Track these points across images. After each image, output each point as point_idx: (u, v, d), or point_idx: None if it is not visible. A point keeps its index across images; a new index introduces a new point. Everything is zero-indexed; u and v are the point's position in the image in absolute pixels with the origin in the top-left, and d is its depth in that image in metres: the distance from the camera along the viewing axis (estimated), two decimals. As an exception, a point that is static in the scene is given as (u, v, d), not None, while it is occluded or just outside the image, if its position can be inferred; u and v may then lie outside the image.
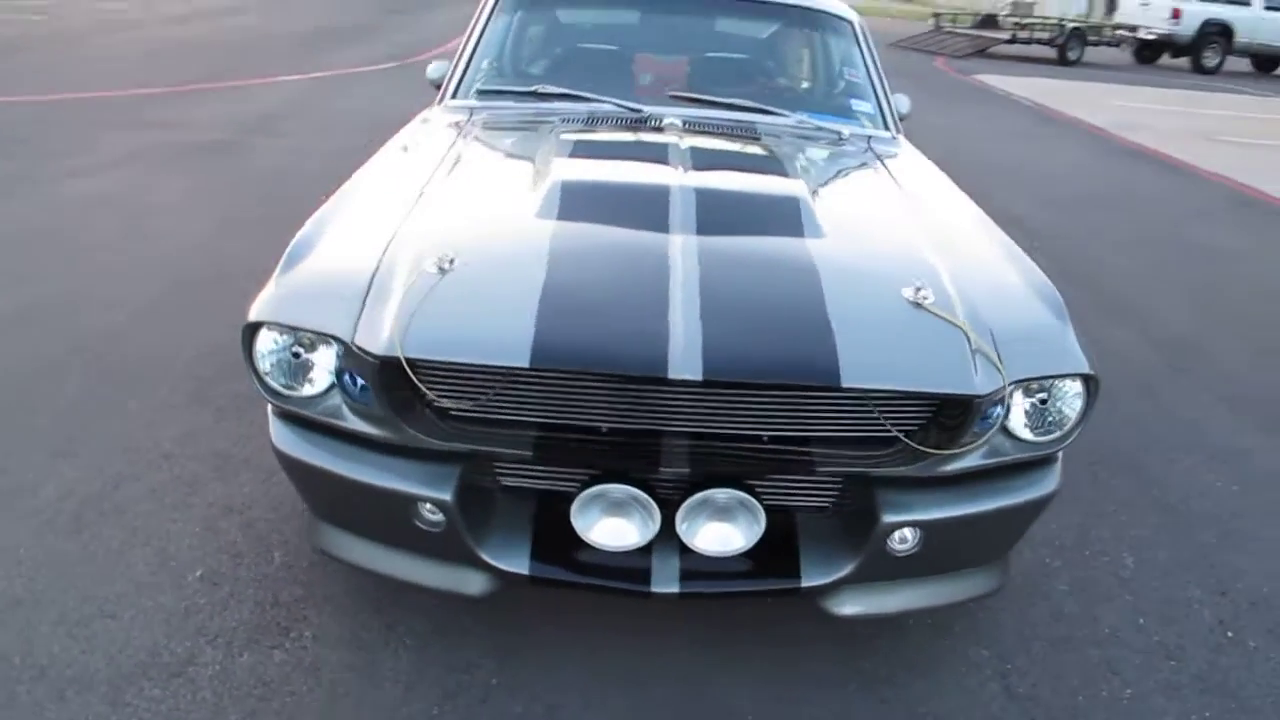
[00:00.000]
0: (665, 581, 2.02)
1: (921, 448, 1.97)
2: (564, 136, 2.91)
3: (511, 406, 1.99)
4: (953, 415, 1.97)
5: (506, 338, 1.88)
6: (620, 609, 2.39)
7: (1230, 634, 2.59)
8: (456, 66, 3.52)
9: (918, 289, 2.07)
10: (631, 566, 2.02)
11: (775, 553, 2.04)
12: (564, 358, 1.86)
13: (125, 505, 2.75)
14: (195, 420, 3.22)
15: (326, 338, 1.99)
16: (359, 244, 2.20)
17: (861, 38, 3.74)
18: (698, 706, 2.20)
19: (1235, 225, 7.33)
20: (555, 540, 2.04)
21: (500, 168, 2.90)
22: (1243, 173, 9.15)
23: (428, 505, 1.97)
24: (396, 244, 2.17)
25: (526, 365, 1.84)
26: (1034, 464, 2.13)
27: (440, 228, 2.26)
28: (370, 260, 2.11)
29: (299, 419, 2.09)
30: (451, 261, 2.04)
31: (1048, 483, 2.14)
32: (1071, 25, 19.56)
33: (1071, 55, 18.97)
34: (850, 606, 2.12)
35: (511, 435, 2.00)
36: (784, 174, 2.70)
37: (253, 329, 2.02)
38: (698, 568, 2.03)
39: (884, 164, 3.12)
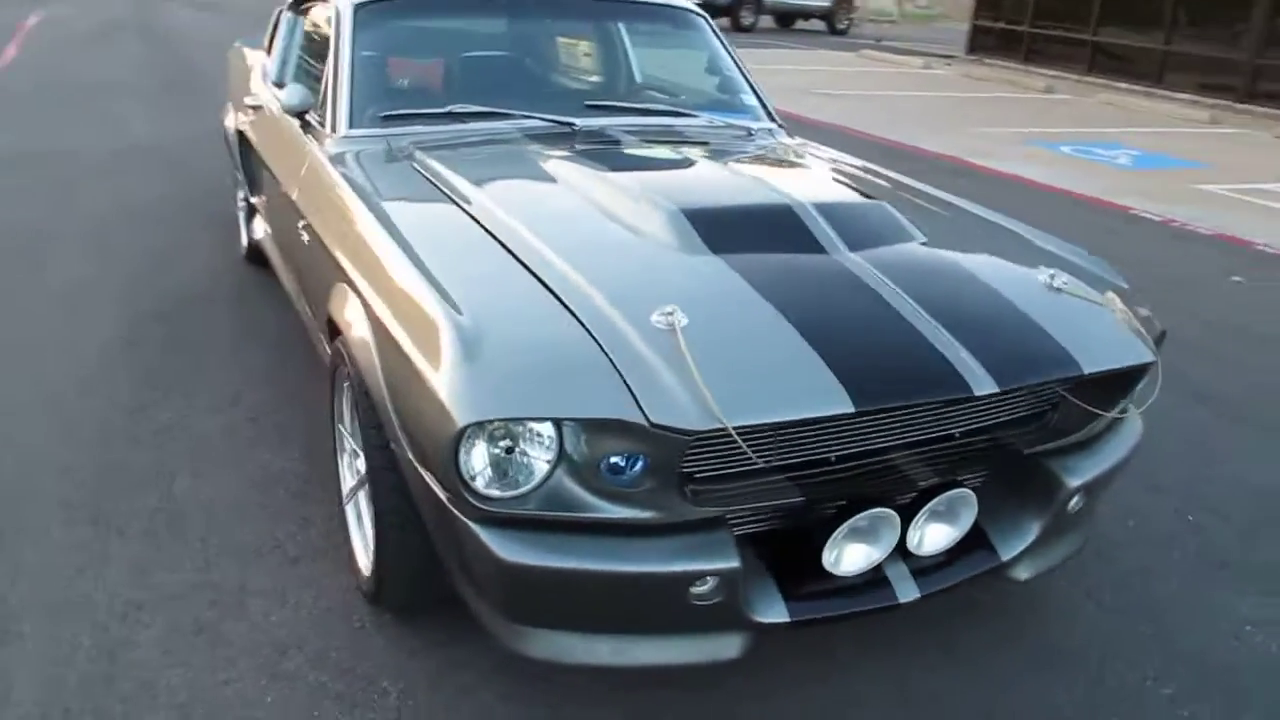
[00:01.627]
0: (906, 590, 2.07)
1: (1112, 414, 2.19)
2: (556, 153, 2.81)
3: (803, 453, 1.95)
4: (1116, 382, 2.21)
5: (817, 386, 1.82)
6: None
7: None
8: (337, 95, 3.08)
9: (1051, 275, 2.29)
10: (872, 584, 2.04)
11: (969, 537, 2.15)
12: (883, 396, 1.86)
13: None
14: None
15: (550, 422, 1.76)
16: (521, 311, 1.97)
17: (715, 31, 3.84)
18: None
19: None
20: (797, 579, 2.00)
21: (540, 196, 2.62)
22: (849, 120, 10.53)
23: (708, 578, 1.84)
24: (573, 302, 1.97)
25: (852, 410, 1.81)
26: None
27: (594, 276, 2.06)
28: (568, 327, 1.90)
29: (510, 521, 1.82)
30: (670, 314, 1.89)
31: (1138, 429, 2.47)
32: None
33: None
34: (1026, 570, 2.28)
35: (768, 485, 1.94)
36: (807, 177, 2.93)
37: (466, 430, 1.72)
38: (922, 567, 2.10)
39: (819, 156, 3.32)
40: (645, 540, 1.84)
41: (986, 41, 17.31)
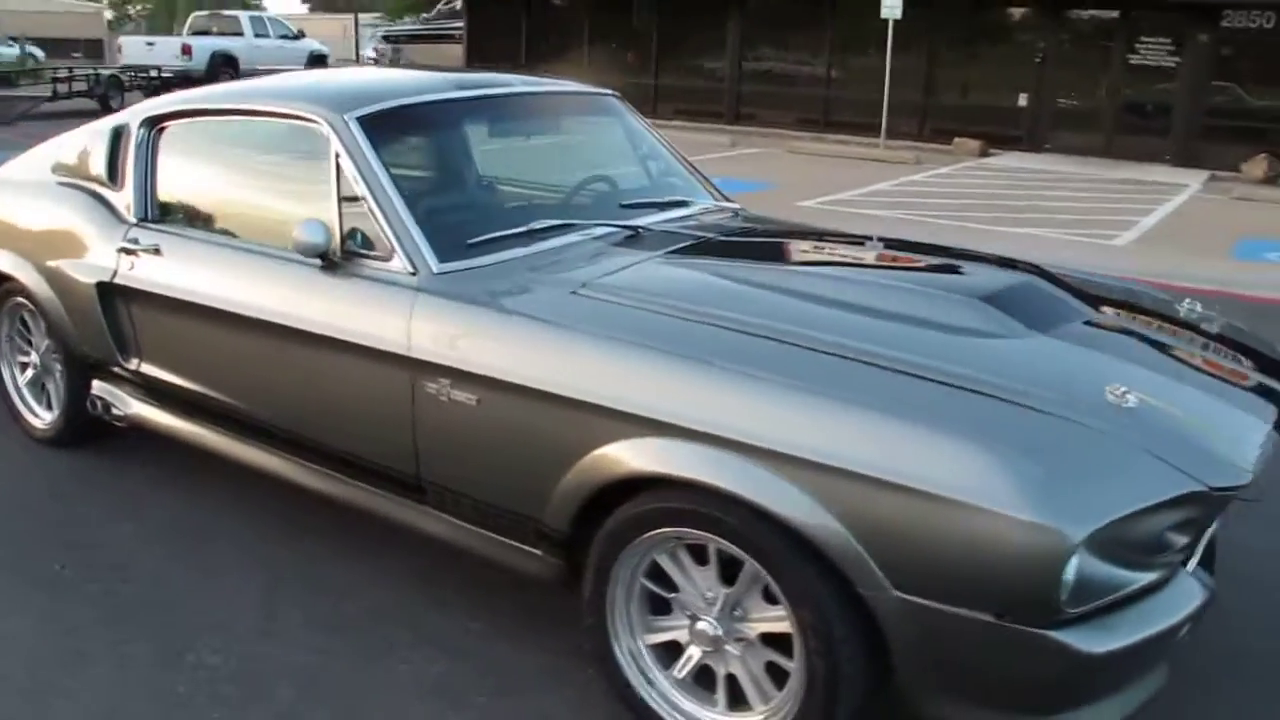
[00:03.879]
0: None
1: None
2: (709, 260, 2.74)
3: None
4: None
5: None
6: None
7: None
8: (392, 227, 2.58)
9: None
10: None
11: None
12: None
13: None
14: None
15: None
16: (993, 419, 1.94)
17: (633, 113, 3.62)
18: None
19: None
20: None
21: (799, 308, 2.39)
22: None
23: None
24: (1006, 397, 1.99)
25: None
26: None
27: (977, 371, 2.06)
28: (1050, 423, 1.93)
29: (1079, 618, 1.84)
30: (1124, 392, 2.03)
31: None
32: (108, 74, 18.88)
33: (114, 104, 17.60)
34: None
35: None
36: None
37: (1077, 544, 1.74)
38: None
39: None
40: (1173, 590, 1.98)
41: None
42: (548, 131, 3.40)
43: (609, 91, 3.59)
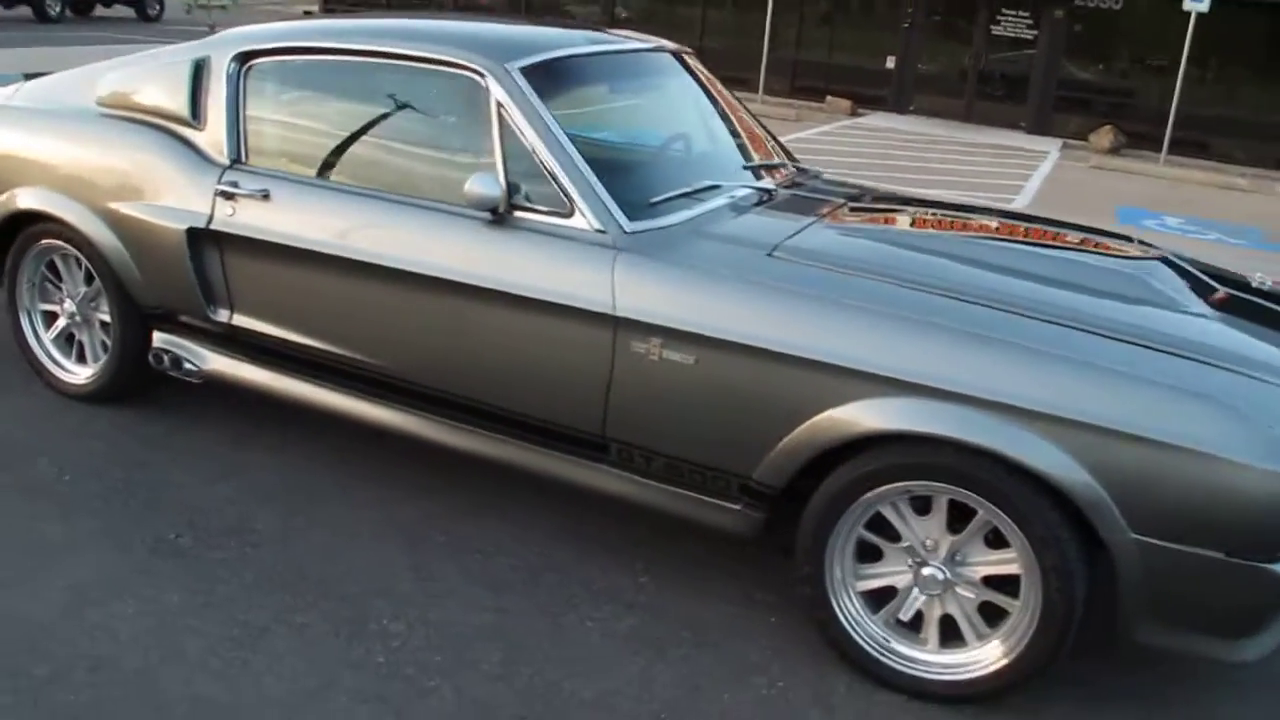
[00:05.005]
0: None
1: None
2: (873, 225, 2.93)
3: None
4: None
5: None
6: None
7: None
8: (577, 185, 2.55)
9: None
10: None
11: None
12: None
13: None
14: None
15: None
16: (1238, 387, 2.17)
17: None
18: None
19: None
20: None
21: (997, 279, 2.53)
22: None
23: None
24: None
25: None
26: None
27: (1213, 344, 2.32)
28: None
29: None
30: None
31: None
32: None
33: (52, 11, 17.42)
34: None
35: None
36: None
37: None
38: None
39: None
40: None
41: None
42: (658, 89, 3.36)
43: (688, 49, 3.61)
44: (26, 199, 3.24)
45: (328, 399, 2.96)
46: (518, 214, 2.60)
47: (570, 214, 2.56)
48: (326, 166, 2.90)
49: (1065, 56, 14.17)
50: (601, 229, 2.53)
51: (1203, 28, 11.90)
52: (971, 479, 2.20)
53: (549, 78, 2.75)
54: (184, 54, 3.14)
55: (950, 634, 2.38)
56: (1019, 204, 9.04)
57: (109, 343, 3.31)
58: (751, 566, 2.83)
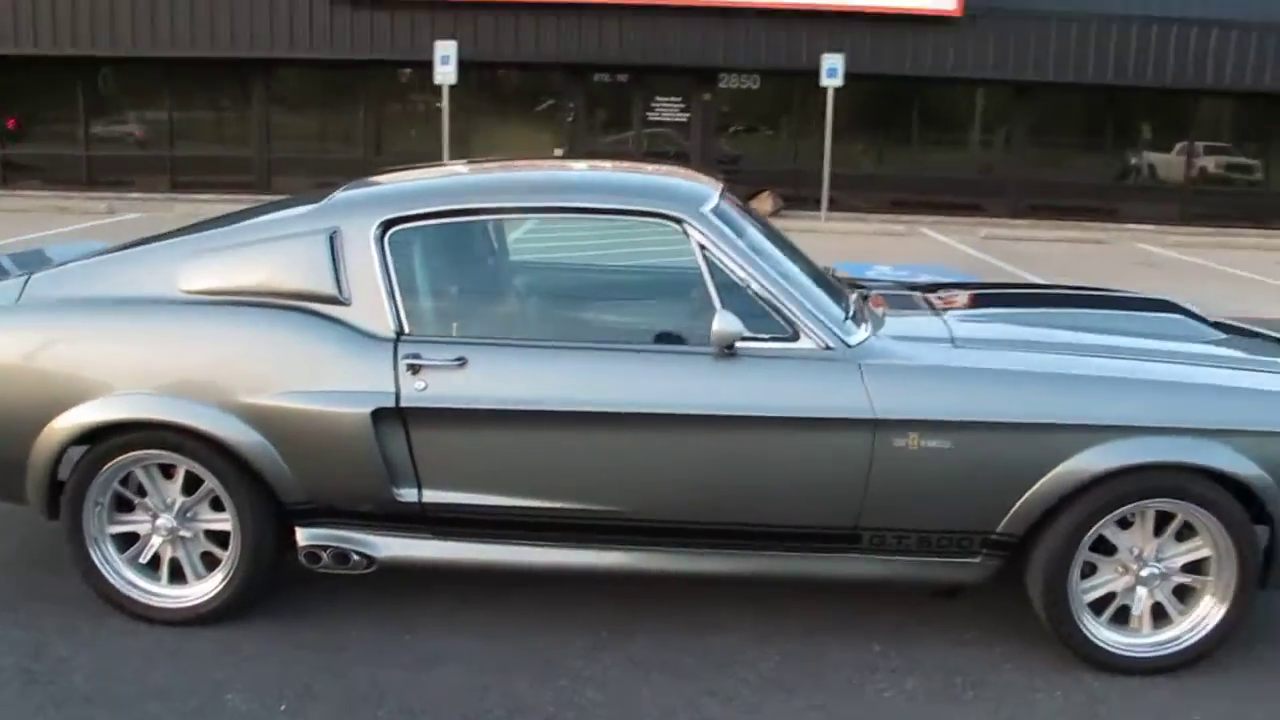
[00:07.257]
0: None
1: None
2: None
3: None
4: None
5: None
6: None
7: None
8: (800, 310, 2.86)
9: None
10: None
11: None
12: None
13: None
14: None
15: None
16: None
17: None
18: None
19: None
20: None
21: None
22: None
23: None
24: None
25: None
26: None
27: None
28: None
29: None
30: None
31: None
32: None
33: None
34: None
35: None
36: None
37: None
38: None
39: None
40: None
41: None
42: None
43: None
44: (114, 409, 2.86)
45: (542, 557, 2.95)
46: (739, 344, 2.81)
47: (795, 338, 2.85)
48: (519, 325, 2.92)
49: (716, 133, 16.04)
50: (829, 346, 2.84)
51: (839, 99, 14.12)
52: (1189, 492, 2.81)
53: (726, 217, 3.02)
54: (301, 227, 2.98)
55: (1158, 617, 2.96)
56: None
57: (224, 553, 2.99)
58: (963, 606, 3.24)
